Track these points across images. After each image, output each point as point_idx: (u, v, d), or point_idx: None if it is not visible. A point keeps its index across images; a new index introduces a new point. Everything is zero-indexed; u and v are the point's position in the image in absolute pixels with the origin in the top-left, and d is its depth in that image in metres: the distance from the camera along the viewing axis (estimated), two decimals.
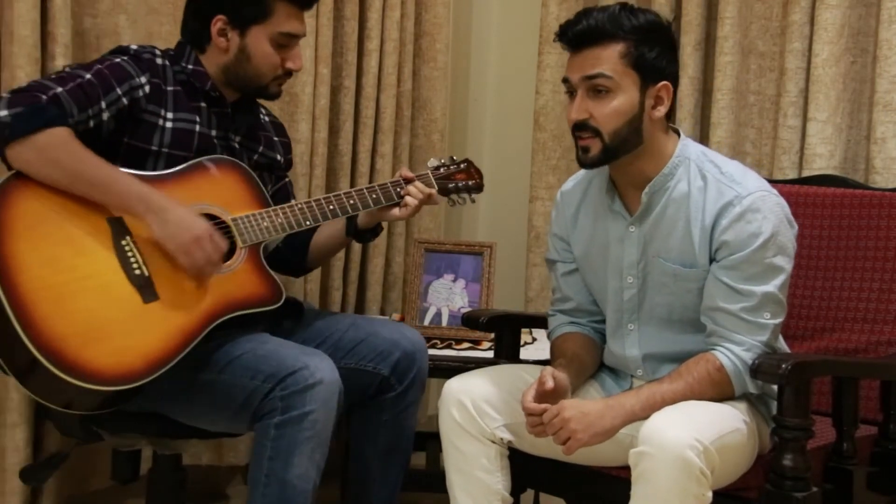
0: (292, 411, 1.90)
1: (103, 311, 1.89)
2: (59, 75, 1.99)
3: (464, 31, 3.40)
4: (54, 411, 1.97)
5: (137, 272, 1.92)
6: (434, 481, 2.41)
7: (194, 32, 2.13)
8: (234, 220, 2.06)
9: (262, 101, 2.29)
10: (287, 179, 2.35)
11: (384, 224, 2.87)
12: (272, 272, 2.10)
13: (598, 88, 1.85)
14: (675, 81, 1.92)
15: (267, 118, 2.32)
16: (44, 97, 1.90)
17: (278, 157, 2.29)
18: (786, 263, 1.88)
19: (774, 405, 1.86)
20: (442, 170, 2.29)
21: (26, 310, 1.81)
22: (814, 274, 2.26)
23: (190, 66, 2.11)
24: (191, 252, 1.94)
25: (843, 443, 1.93)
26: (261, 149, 2.24)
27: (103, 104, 1.97)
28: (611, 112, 1.85)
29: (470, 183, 2.32)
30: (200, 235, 1.94)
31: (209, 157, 2.10)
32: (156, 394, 1.96)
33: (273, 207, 2.11)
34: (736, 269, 1.85)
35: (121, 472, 2.18)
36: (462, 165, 2.32)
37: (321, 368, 1.93)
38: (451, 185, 2.29)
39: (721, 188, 1.88)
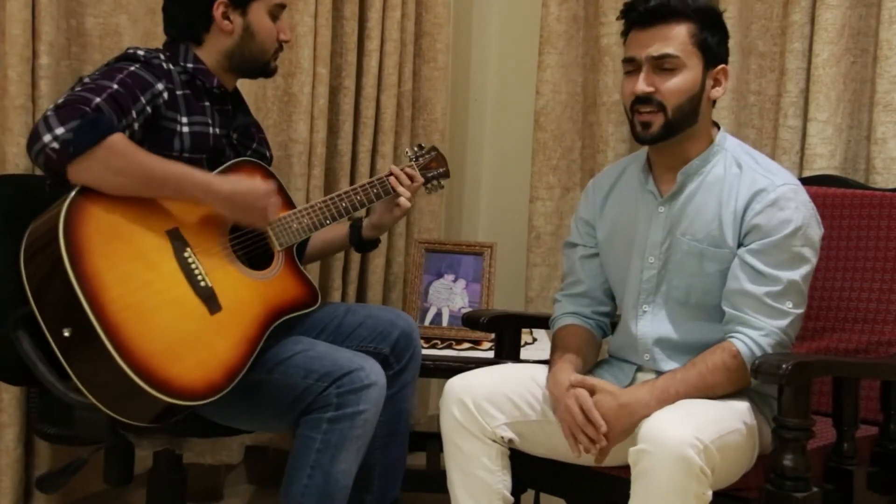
0: (347, 408, 1.95)
1: (180, 325, 1.88)
2: (86, 87, 1.93)
3: (464, 31, 3.40)
4: (78, 417, 1.92)
5: (202, 284, 1.93)
6: (434, 481, 2.41)
7: (187, 25, 2.13)
8: (269, 224, 2.09)
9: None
10: None
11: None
12: (307, 274, 2.14)
13: (665, 66, 1.90)
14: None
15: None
16: (88, 108, 1.86)
17: (267, 153, 2.32)
18: (812, 256, 1.92)
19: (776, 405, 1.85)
20: (420, 160, 2.36)
21: (116, 331, 1.78)
22: (814, 274, 2.25)
23: (190, 65, 2.11)
24: (266, 213, 2.02)
25: (843, 443, 1.93)
26: (254, 146, 2.27)
27: (133, 114, 1.97)
28: (676, 87, 1.91)
29: (440, 170, 2.40)
30: (267, 191, 2.03)
31: (235, 160, 2.13)
32: None
33: (298, 209, 2.16)
34: (764, 253, 1.88)
35: (114, 475, 2.11)
36: (433, 153, 2.39)
37: (375, 371, 1.99)
38: (430, 174, 2.37)
39: (755, 176, 1.93)
